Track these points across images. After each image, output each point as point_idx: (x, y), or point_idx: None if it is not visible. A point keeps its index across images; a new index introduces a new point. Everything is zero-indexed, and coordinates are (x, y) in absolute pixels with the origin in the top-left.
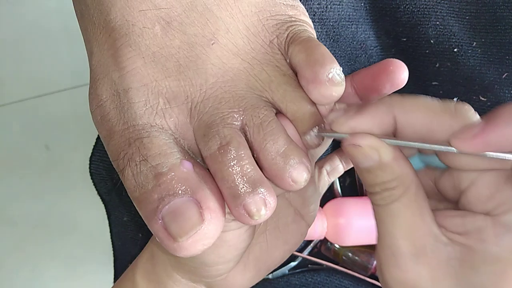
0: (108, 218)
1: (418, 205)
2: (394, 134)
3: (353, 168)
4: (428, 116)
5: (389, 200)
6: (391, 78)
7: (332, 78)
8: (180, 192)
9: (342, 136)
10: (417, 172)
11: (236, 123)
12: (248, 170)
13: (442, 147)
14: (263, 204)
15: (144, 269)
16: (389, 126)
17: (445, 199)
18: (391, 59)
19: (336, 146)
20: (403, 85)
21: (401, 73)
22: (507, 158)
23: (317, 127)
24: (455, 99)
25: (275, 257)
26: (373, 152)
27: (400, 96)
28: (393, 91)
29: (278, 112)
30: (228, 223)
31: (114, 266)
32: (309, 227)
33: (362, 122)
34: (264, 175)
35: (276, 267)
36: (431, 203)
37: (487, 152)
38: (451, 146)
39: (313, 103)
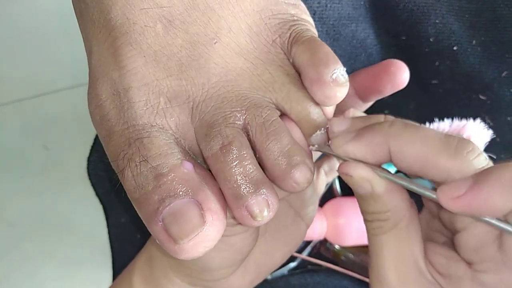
0: (106, 219)
1: (408, 239)
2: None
3: None
4: (423, 154)
5: (378, 231)
6: (392, 79)
7: (336, 79)
8: (181, 193)
9: (339, 157)
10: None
11: (238, 122)
12: (251, 171)
13: (430, 194)
14: (265, 205)
15: (141, 272)
16: (384, 156)
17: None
18: (392, 59)
19: None
20: (404, 86)
21: (402, 74)
22: (491, 223)
23: (320, 130)
24: (456, 121)
25: (275, 259)
26: (365, 183)
27: (400, 126)
28: (394, 91)
29: (282, 114)
30: (233, 227)
31: (112, 267)
32: (308, 227)
33: (357, 149)
34: (267, 176)
35: (276, 268)
36: (436, 224)
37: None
38: (435, 194)
39: (318, 104)
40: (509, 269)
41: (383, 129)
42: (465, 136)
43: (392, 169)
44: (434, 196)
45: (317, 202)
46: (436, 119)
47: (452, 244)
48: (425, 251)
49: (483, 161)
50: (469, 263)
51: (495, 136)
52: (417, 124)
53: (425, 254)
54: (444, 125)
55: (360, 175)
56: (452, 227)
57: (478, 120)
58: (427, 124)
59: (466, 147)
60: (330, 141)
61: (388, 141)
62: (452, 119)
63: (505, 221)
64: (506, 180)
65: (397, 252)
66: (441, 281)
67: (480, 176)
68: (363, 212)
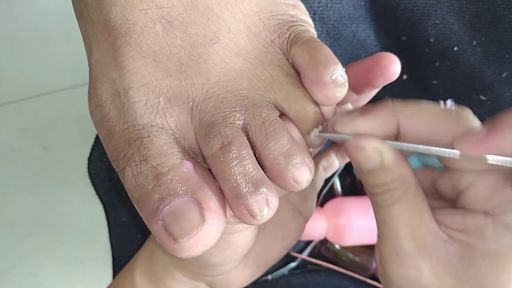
0: (107, 218)
1: (418, 205)
2: (396, 137)
3: (353, 168)
4: (430, 120)
5: (390, 201)
6: (384, 72)
7: (336, 80)
8: (180, 192)
9: (344, 138)
10: (415, 171)
11: (238, 122)
12: (250, 170)
13: (445, 150)
14: (265, 204)
15: (143, 269)
16: (391, 129)
17: (441, 198)
18: (383, 53)
19: (333, 142)
20: (396, 78)
21: (393, 67)
22: (507, 163)
23: (320, 126)
24: (448, 101)
25: (274, 253)
26: (376, 154)
27: (402, 101)
28: (386, 83)
29: (282, 114)
30: (235, 225)
31: (113, 266)
32: (307, 222)
33: (365, 124)
34: (266, 175)
35: (274, 263)
36: (427, 201)
37: (488, 157)
38: (453, 149)
39: (316, 103)
40: None
41: (389, 105)
42: None
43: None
44: (451, 150)
45: (315, 197)
46: None
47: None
48: (434, 217)
49: (478, 122)
50: (485, 212)
51: None
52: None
53: (435, 219)
54: None
55: (372, 146)
56: (456, 190)
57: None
58: None
59: (465, 112)
60: (327, 125)
61: (396, 113)
62: None
63: None
64: None
65: (411, 219)
66: (460, 236)
67: (494, 120)
68: (370, 187)
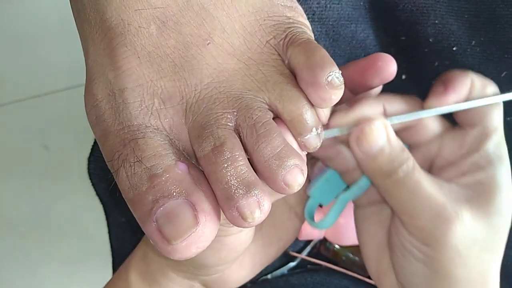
0: (107, 219)
1: (423, 170)
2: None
3: None
4: (402, 99)
5: (406, 174)
6: (380, 73)
7: (332, 82)
8: (174, 194)
9: (341, 133)
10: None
11: (230, 124)
12: (242, 172)
13: (432, 110)
14: (257, 207)
15: (137, 268)
16: (380, 112)
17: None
18: (379, 53)
19: None
20: (392, 78)
21: (389, 68)
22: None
23: (315, 129)
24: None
25: (269, 254)
26: (382, 131)
27: (384, 94)
28: (382, 84)
29: (276, 117)
30: (230, 228)
31: (112, 266)
32: (303, 223)
33: (362, 110)
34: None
35: (270, 263)
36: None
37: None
38: (428, 110)
39: (311, 103)
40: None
41: (371, 95)
42: None
43: None
44: (428, 110)
45: None
46: None
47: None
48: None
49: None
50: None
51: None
52: None
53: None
54: None
55: (379, 124)
56: (428, 160)
57: None
58: None
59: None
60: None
61: (380, 98)
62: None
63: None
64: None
65: (432, 179)
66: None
67: (444, 76)
68: (384, 167)
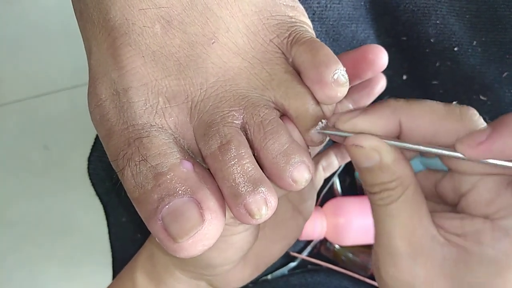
0: (107, 218)
1: (416, 206)
2: (398, 136)
3: (352, 168)
4: (433, 120)
5: (388, 201)
6: (371, 65)
7: (338, 79)
8: (180, 192)
9: (344, 135)
10: (417, 174)
11: (236, 121)
12: (249, 169)
13: (447, 152)
14: (264, 204)
15: (144, 268)
16: (393, 128)
17: (443, 202)
18: (370, 45)
19: (333, 142)
20: (384, 69)
21: (380, 59)
22: (510, 166)
23: (321, 122)
24: (454, 103)
25: (273, 252)
26: (374, 153)
27: (405, 101)
28: (374, 75)
29: (282, 115)
30: (235, 227)
31: (113, 267)
32: (306, 221)
33: (365, 122)
34: (265, 175)
35: (274, 261)
36: (429, 205)
37: (490, 160)
38: (455, 151)
39: (316, 99)
40: None
41: (391, 104)
42: None
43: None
44: (453, 152)
45: (315, 196)
46: None
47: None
48: (433, 220)
49: (483, 122)
50: (484, 217)
51: None
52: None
53: (434, 222)
54: None
55: (371, 145)
56: (457, 193)
57: None
58: None
59: (469, 111)
60: (327, 122)
61: (398, 112)
62: None
63: None
64: None
65: (408, 219)
66: (457, 240)
67: (497, 123)
68: (369, 186)
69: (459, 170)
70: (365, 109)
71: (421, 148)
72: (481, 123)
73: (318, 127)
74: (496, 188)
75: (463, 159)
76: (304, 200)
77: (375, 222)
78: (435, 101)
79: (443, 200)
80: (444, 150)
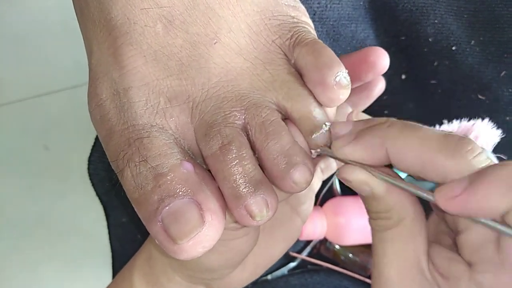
0: (107, 219)
1: (411, 237)
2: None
3: None
4: (423, 154)
5: (382, 228)
6: (372, 67)
7: (340, 82)
8: (180, 193)
9: (339, 160)
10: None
11: (238, 122)
12: (250, 171)
13: (428, 196)
14: (265, 205)
15: (141, 271)
16: (383, 157)
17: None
18: (371, 47)
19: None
20: (385, 71)
21: (382, 62)
22: (487, 224)
23: (324, 125)
24: (472, 122)
25: (272, 255)
26: (364, 186)
27: (398, 128)
28: (375, 77)
29: (285, 118)
30: (235, 231)
31: (112, 267)
32: (304, 223)
33: (355, 151)
34: (266, 176)
35: (273, 264)
36: (441, 227)
37: (468, 215)
38: (432, 196)
39: (319, 102)
40: (506, 271)
41: (381, 130)
42: (471, 136)
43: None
44: (431, 198)
45: (313, 198)
46: (445, 121)
47: (455, 246)
48: (429, 252)
49: (483, 160)
50: (469, 264)
51: (504, 135)
52: (419, 124)
53: (429, 255)
54: (453, 127)
55: (358, 179)
56: (455, 228)
57: (486, 120)
58: (437, 126)
59: (465, 146)
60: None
61: (386, 143)
62: (459, 120)
63: (502, 222)
64: (502, 180)
65: (399, 249)
66: (441, 282)
67: (476, 176)
68: (367, 211)
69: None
70: (357, 136)
71: (403, 186)
72: (479, 161)
73: (323, 130)
74: (483, 238)
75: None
76: (302, 202)
77: (372, 243)
78: (432, 129)
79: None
80: (424, 193)
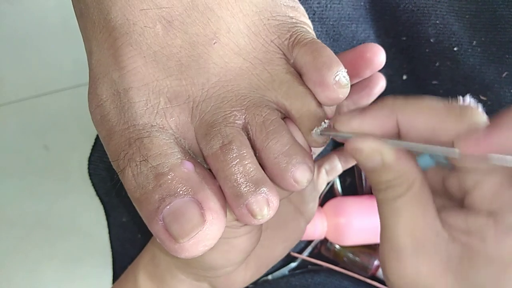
0: (107, 219)
1: (421, 202)
2: (398, 135)
3: (352, 168)
4: (431, 119)
5: (392, 197)
6: (369, 64)
7: (339, 81)
8: (181, 192)
9: (345, 136)
10: (427, 169)
11: (238, 122)
12: (251, 170)
13: (444, 149)
14: (266, 204)
15: (146, 270)
16: (390, 128)
17: (452, 198)
18: (367, 44)
19: (336, 145)
20: (382, 66)
21: (378, 58)
22: (509, 162)
23: (324, 122)
24: (460, 97)
25: (275, 254)
26: (375, 155)
27: (403, 99)
28: (372, 73)
29: (285, 117)
30: (238, 229)
31: (113, 267)
32: (308, 223)
33: (364, 122)
34: (267, 175)
35: (275, 263)
36: (439, 201)
37: (490, 155)
38: (454, 148)
39: (318, 100)
40: None
41: (389, 103)
42: None
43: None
44: (453, 151)
45: (317, 199)
46: None
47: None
48: (440, 216)
49: (485, 119)
50: (489, 214)
51: None
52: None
53: (441, 219)
54: None
55: (370, 147)
56: (462, 190)
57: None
58: None
59: (469, 109)
60: (333, 125)
61: (396, 112)
62: None
63: None
64: None
65: (412, 215)
66: (462, 237)
67: (495, 119)
68: (374, 183)
69: (462, 166)
70: (363, 110)
71: (419, 146)
72: (482, 119)
73: (320, 128)
74: (499, 184)
75: (460, 158)
76: (306, 202)
77: (381, 219)
78: (435, 99)
79: (451, 196)
80: (440, 148)
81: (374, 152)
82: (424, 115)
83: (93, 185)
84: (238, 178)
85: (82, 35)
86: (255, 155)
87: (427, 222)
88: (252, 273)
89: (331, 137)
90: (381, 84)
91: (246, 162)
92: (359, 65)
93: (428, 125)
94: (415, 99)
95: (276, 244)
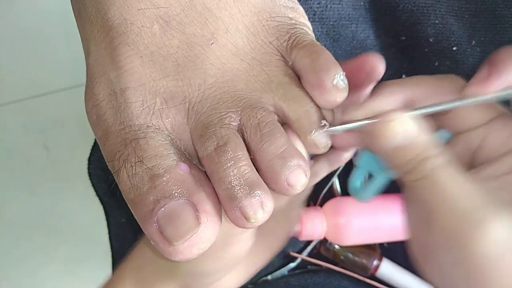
0: (107, 219)
1: (458, 166)
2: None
3: (352, 168)
4: (433, 83)
5: (430, 170)
6: (370, 76)
7: (337, 84)
8: (176, 194)
9: (357, 126)
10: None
11: (233, 123)
12: (245, 172)
13: (467, 100)
14: (260, 207)
15: (134, 279)
16: (401, 103)
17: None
18: (367, 55)
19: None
20: (381, 77)
21: (379, 69)
22: None
23: (323, 121)
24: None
25: (261, 259)
26: (402, 126)
27: (409, 78)
28: (373, 85)
29: (283, 123)
30: (231, 236)
31: (112, 267)
32: (293, 227)
33: (378, 102)
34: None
35: (263, 267)
36: None
37: (497, 94)
38: (465, 100)
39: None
40: None
41: (396, 81)
42: None
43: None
44: (465, 99)
45: (302, 204)
46: None
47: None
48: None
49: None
50: (510, 151)
51: None
52: None
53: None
54: None
55: (398, 118)
56: (470, 151)
57: None
58: None
59: (452, 76)
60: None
61: (406, 85)
62: None
63: None
64: None
65: (461, 179)
66: (504, 180)
67: (492, 57)
68: (402, 165)
69: (464, 127)
70: (371, 94)
71: (438, 108)
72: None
73: (320, 130)
74: (506, 129)
75: (468, 111)
76: (292, 207)
77: (422, 201)
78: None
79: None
80: (458, 100)
81: (400, 124)
82: (426, 82)
83: (93, 185)
84: (232, 180)
85: (80, 34)
86: (250, 158)
87: (473, 181)
88: (241, 278)
89: (337, 132)
90: (381, 67)
91: (241, 164)
92: (360, 76)
93: (436, 94)
94: (409, 77)
95: (264, 249)
